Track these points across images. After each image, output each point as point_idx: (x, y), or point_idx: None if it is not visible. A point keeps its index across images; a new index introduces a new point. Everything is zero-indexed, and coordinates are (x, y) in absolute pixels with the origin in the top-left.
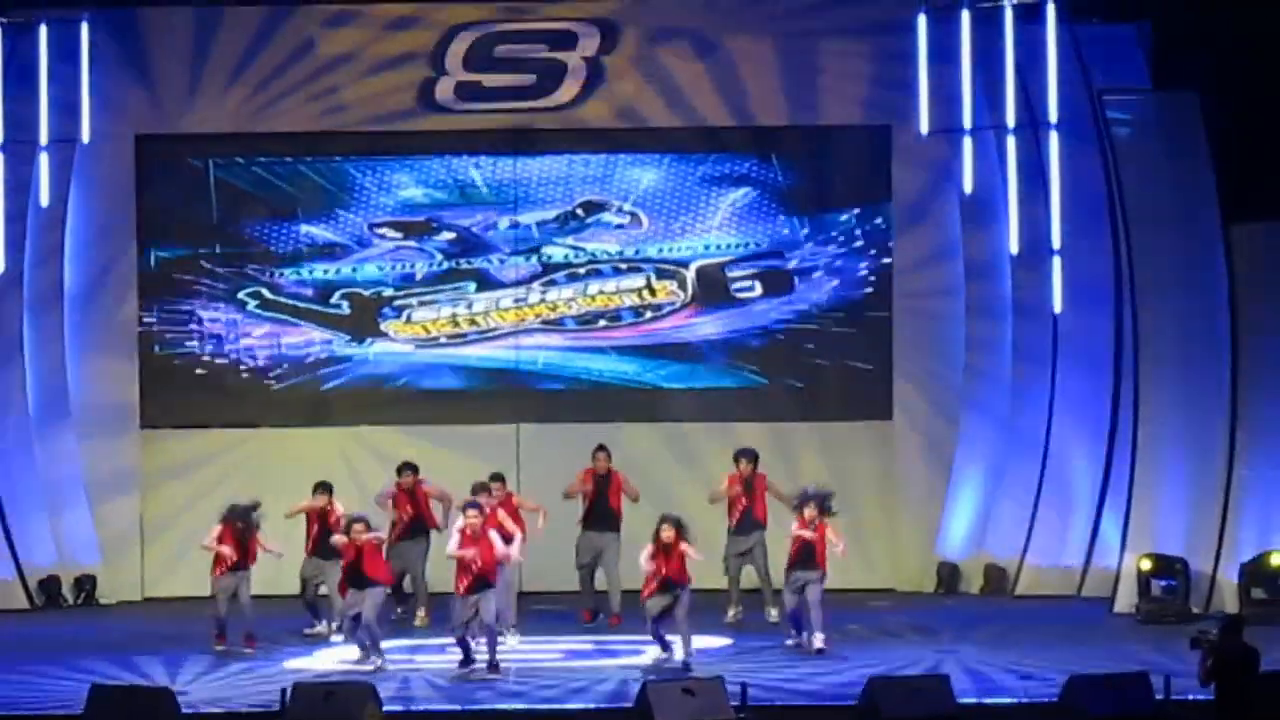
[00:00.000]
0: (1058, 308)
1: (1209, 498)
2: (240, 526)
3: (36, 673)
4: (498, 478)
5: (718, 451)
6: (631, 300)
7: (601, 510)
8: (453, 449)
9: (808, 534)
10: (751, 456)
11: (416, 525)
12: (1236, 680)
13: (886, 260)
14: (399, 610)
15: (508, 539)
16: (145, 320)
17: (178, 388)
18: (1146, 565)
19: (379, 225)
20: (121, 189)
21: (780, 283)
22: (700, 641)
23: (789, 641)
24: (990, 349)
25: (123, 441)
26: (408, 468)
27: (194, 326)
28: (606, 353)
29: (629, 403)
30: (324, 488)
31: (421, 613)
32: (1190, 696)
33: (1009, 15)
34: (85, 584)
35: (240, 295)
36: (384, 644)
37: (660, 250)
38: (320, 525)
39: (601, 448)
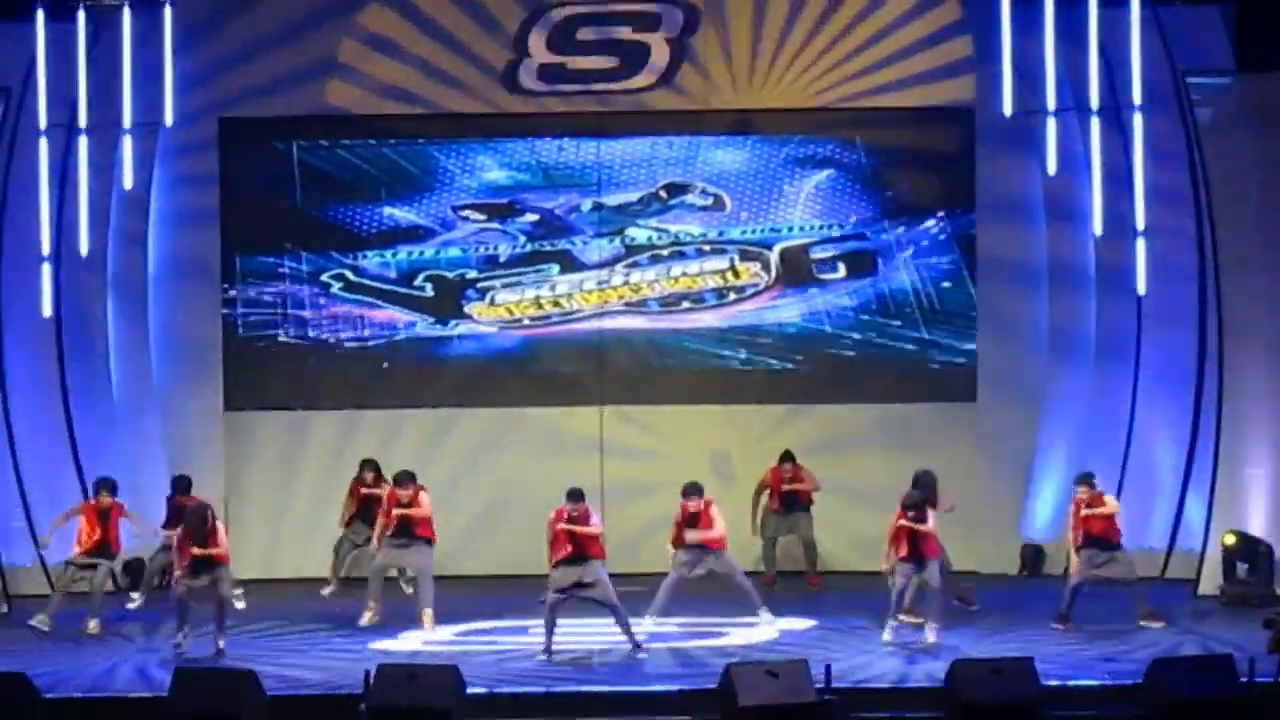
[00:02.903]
0: (1141, 289)
1: None
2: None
3: (123, 655)
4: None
5: (798, 433)
6: (715, 282)
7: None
8: (536, 431)
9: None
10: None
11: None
12: None
13: (969, 241)
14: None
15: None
16: (229, 302)
17: (261, 370)
18: (1230, 541)
19: (462, 207)
20: (205, 172)
21: (863, 264)
22: (784, 623)
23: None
24: (1074, 330)
25: (207, 424)
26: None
27: (277, 309)
28: (690, 335)
29: (711, 385)
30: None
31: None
32: (1276, 679)
33: None
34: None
35: (324, 277)
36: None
37: (743, 232)
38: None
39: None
